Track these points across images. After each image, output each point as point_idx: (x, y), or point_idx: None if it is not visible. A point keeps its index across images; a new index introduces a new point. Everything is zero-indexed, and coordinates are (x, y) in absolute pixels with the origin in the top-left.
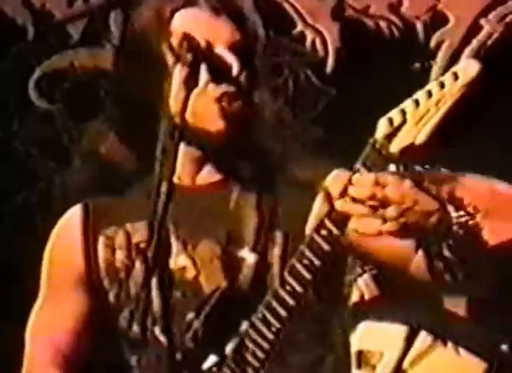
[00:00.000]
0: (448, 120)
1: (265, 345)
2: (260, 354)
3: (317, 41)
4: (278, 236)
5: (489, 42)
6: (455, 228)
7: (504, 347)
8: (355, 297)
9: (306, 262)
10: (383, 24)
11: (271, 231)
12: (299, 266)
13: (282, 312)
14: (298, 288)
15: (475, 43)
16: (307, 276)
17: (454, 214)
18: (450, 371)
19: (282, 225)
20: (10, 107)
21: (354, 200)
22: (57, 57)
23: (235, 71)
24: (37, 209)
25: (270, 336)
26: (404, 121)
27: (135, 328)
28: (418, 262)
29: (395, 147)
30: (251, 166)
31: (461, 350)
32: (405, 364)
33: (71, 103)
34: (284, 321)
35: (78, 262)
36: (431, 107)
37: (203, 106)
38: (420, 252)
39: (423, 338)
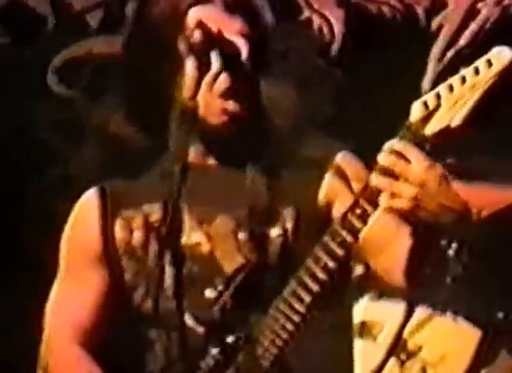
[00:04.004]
0: (483, 104)
1: (296, 318)
2: (290, 327)
3: (324, 26)
4: (290, 213)
5: (487, 25)
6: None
7: (500, 315)
8: (358, 270)
9: (339, 239)
10: (385, 9)
11: (284, 208)
12: (331, 244)
13: (314, 287)
14: (330, 264)
15: (473, 26)
16: (340, 252)
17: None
18: (448, 338)
19: (293, 202)
20: (31, 92)
21: (385, 173)
22: (76, 45)
23: (244, 55)
24: (56, 188)
25: (301, 309)
26: (438, 105)
27: (150, 303)
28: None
29: (430, 129)
30: (262, 146)
31: (459, 319)
32: (405, 333)
33: (89, 89)
34: (316, 295)
35: (97, 242)
36: (465, 92)
37: (208, 100)
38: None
39: (422, 309)
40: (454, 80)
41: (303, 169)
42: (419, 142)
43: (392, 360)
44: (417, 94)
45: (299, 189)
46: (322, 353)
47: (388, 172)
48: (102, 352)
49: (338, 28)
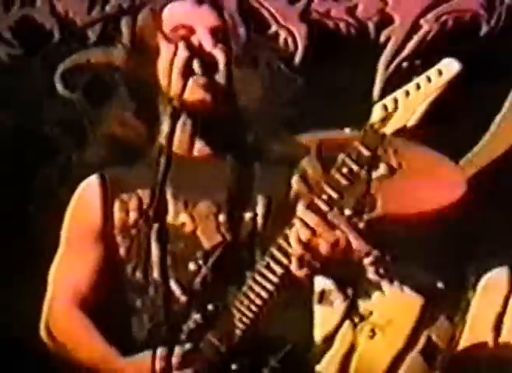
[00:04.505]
0: (434, 107)
1: (270, 287)
2: (264, 295)
3: (289, 39)
4: (262, 200)
5: (428, 38)
6: None
7: (439, 285)
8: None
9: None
10: (341, 24)
11: (257, 195)
12: (299, 225)
13: (284, 260)
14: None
15: (416, 38)
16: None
17: None
18: (395, 305)
19: (264, 191)
20: (40, 95)
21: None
22: (78, 55)
23: (221, 65)
24: (58, 180)
25: (274, 279)
26: (396, 108)
27: (139, 274)
28: None
29: (389, 129)
30: (236, 141)
31: (405, 288)
32: (358, 300)
33: (89, 92)
34: (286, 268)
35: (98, 221)
36: (419, 97)
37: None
38: None
39: (372, 277)
40: (410, 86)
41: (273, 163)
42: (381, 139)
43: (346, 323)
44: (369, 97)
45: (271, 180)
46: (287, 321)
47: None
48: (96, 316)
49: (301, 40)
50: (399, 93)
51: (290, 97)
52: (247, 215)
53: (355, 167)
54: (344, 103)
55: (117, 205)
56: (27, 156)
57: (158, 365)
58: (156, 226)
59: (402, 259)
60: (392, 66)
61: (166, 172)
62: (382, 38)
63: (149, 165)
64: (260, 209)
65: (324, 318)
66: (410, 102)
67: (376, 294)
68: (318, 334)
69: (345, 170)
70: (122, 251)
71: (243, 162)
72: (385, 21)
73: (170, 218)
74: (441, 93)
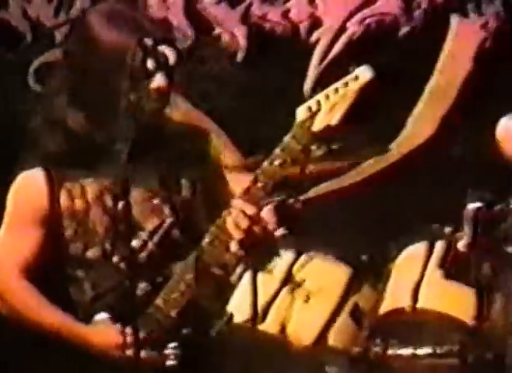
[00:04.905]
0: (353, 108)
1: (211, 261)
2: (206, 268)
3: (232, 39)
4: (188, 184)
5: (353, 39)
6: None
7: (364, 257)
8: None
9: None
10: (277, 27)
11: (183, 180)
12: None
13: (224, 238)
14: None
15: (343, 39)
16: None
17: None
18: (326, 274)
19: (189, 176)
20: (13, 89)
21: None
22: (47, 54)
23: (172, 61)
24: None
25: (215, 255)
26: (319, 109)
27: (80, 248)
28: None
29: (316, 127)
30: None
31: (335, 260)
32: (294, 269)
33: (58, 87)
34: (226, 245)
35: (44, 206)
36: (339, 100)
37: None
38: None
39: (307, 253)
40: (330, 90)
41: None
42: (310, 136)
43: (284, 290)
44: (301, 93)
45: (196, 166)
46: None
47: None
48: (41, 288)
49: (242, 41)
50: (321, 96)
51: (233, 91)
52: (179, 198)
53: (288, 159)
54: (278, 98)
55: (63, 192)
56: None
57: (118, 328)
58: (99, 210)
59: (334, 234)
60: (322, 64)
61: (127, 164)
62: (313, 39)
63: (97, 159)
64: (187, 192)
65: (265, 284)
66: (331, 104)
67: (311, 265)
68: (261, 299)
69: (276, 162)
70: (68, 233)
71: (171, 154)
72: (315, 23)
73: (109, 204)
74: (357, 96)
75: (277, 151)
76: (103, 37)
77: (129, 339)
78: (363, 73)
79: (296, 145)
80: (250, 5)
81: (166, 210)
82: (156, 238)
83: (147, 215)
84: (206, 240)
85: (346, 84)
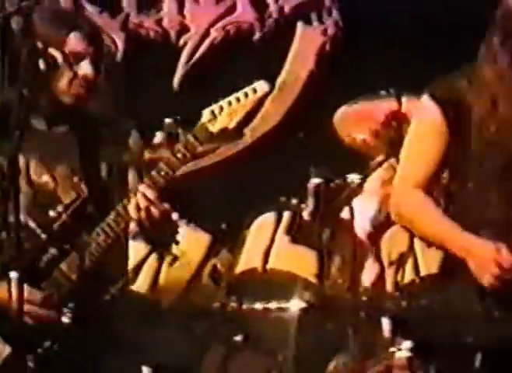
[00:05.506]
0: (248, 116)
1: (112, 235)
2: (109, 240)
3: (111, 44)
4: (105, 167)
5: (216, 42)
6: None
7: (223, 226)
8: None
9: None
10: (151, 32)
11: (102, 162)
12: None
13: (126, 217)
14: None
15: (207, 42)
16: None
17: None
18: (189, 241)
19: (107, 157)
20: None
21: None
22: None
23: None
24: None
25: (117, 230)
26: (220, 113)
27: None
28: None
29: (215, 128)
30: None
31: (196, 227)
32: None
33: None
34: (126, 222)
35: None
36: (238, 108)
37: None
38: None
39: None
40: (232, 99)
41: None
42: (209, 136)
43: (153, 254)
44: (171, 91)
45: (113, 147)
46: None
47: None
48: None
49: (120, 44)
50: (224, 102)
51: (113, 89)
52: (96, 177)
53: (186, 153)
54: (150, 94)
55: None
56: None
57: (14, 289)
58: (23, 182)
59: (198, 207)
60: (189, 64)
61: (18, 144)
62: (181, 42)
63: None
64: (104, 171)
65: (136, 251)
66: (232, 110)
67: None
68: (132, 262)
69: (179, 155)
70: None
71: (92, 134)
72: (184, 30)
73: (34, 177)
74: (254, 106)
75: (179, 146)
76: None
77: (14, 296)
78: (261, 86)
79: (195, 142)
80: (128, 14)
81: (84, 188)
82: (69, 211)
83: (67, 190)
84: (111, 216)
85: (246, 94)
